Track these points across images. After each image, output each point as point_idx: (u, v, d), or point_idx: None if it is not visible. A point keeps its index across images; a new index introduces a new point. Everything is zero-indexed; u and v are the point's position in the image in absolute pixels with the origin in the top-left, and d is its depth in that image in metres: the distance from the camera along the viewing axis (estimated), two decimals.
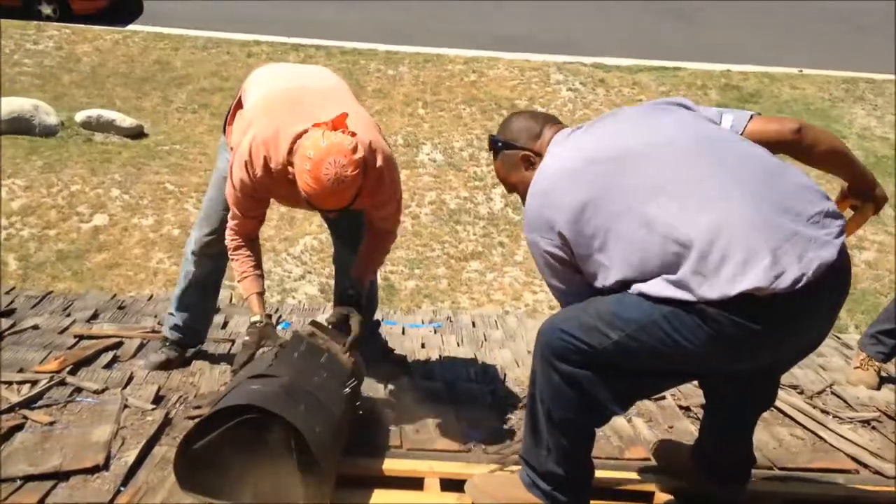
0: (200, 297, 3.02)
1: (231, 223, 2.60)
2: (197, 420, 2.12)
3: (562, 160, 1.98)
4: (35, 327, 3.42)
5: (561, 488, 2.07)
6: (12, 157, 8.34)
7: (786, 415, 3.01)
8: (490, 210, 8.23)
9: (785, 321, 1.76)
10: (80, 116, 9.12)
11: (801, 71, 11.55)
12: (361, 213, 2.70)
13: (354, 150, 2.20)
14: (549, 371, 1.97)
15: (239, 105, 2.68)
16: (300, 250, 7.16)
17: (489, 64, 11.38)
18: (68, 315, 3.68)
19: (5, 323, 3.42)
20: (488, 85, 10.83)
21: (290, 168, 2.31)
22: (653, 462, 2.49)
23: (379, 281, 6.91)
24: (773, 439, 2.78)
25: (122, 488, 2.13)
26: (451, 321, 4.35)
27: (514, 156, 2.13)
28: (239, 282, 2.61)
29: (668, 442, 2.55)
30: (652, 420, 2.85)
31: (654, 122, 1.97)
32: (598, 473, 2.20)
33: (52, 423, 2.46)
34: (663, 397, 3.00)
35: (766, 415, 2.97)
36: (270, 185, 2.43)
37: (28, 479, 2.13)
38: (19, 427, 2.44)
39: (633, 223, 1.81)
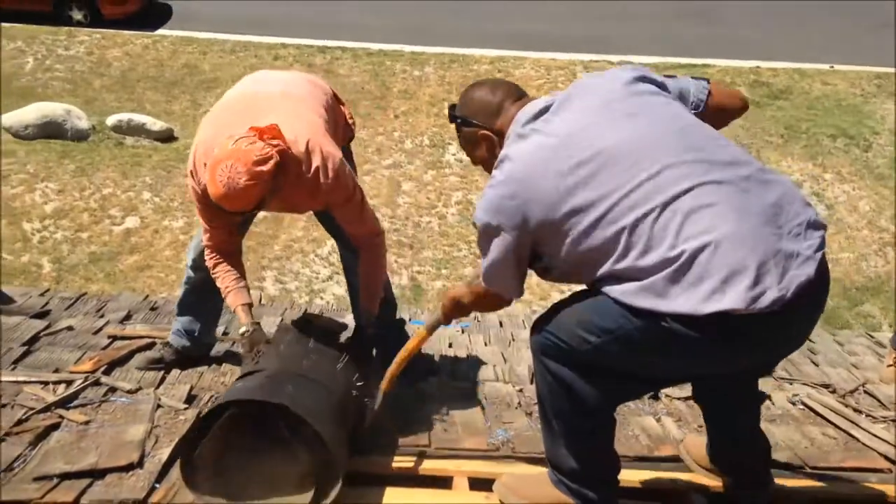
0: (200, 301, 2.99)
1: (205, 238, 2.61)
2: (185, 432, 2.15)
3: (532, 150, 1.83)
4: (70, 328, 3.47)
5: (585, 484, 2.07)
6: (45, 161, 8.49)
7: (818, 414, 2.98)
8: None
9: (759, 338, 1.74)
10: (111, 120, 9.26)
11: (832, 67, 11.40)
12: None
13: (260, 162, 2.17)
14: (542, 370, 2.00)
15: None
16: (328, 251, 7.21)
17: (515, 63, 11.38)
18: (102, 316, 3.74)
19: (41, 324, 3.48)
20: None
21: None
22: (681, 461, 2.49)
23: (406, 281, 6.98)
24: (804, 438, 2.76)
25: (157, 485, 2.17)
26: (478, 321, 4.35)
27: (474, 133, 2.02)
28: (224, 297, 2.63)
29: (696, 440, 2.54)
30: (681, 419, 2.83)
31: (631, 113, 1.84)
32: (629, 473, 2.20)
33: (87, 423, 2.51)
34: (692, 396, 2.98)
35: (797, 414, 2.95)
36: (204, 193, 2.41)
37: (64, 476, 2.18)
38: (55, 426, 2.49)
39: (611, 227, 1.74)
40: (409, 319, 4.34)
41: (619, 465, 2.15)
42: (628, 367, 1.88)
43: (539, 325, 2.00)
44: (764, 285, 1.64)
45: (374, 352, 2.77)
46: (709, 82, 2.01)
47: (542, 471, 2.23)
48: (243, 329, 2.58)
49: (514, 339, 3.93)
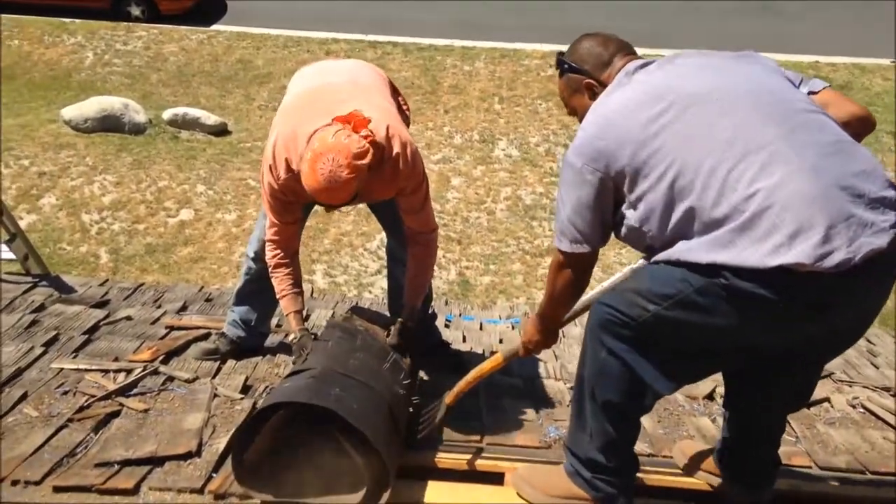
0: (258, 291, 3.01)
1: (269, 233, 2.62)
2: (235, 431, 2.16)
3: (629, 96, 1.87)
4: (128, 318, 3.55)
5: (603, 476, 2.06)
6: (103, 154, 8.69)
7: (878, 417, 2.91)
8: None
9: (821, 302, 1.69)
10: (167, 114, 9.44)
11: (893, 62, 11.08)
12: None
13: (360, 156, 2.18)
14: (596, 346, 1.96)
15: None
16: (376, 245, 7.25)
17: None
18: (159, 306, 3.82)
19: (100, 313, 3.56)
20: None
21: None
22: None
23: (454, 276, 6.99)
24: (865, 442, 2.69)
25: (214, 474, 2.20)
26: (528, 317, 4.34)
27: (579, 80, 2.05)
28: (279, 299, 2.67)
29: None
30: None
31: (732, 70, 1.88)
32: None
33: (146, 411, 2.56)
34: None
35: (857, 417, 2.88)
36: (295, 187, 2.42)
37: (125, 463, 2.23)
38: (116, 413, 2.55)
39: (692, 173, 1.73)
40: (460, 315, 4.35)
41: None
42: (685, 336, 1.84)
43: (598, 304, 1.98)
44: (832, 245, 1.61)
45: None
46: (829, 86, 1.99)
47: (559, 465, 2.22)
48: (292, 337, 2.63)
49: (564, 336, 3.90)
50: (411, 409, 2.47)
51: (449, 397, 2.47)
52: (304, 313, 3.84)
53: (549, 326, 2.24)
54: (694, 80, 1.85)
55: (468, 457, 2.41)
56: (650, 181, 1.79)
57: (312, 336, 2.64)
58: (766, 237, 1.64)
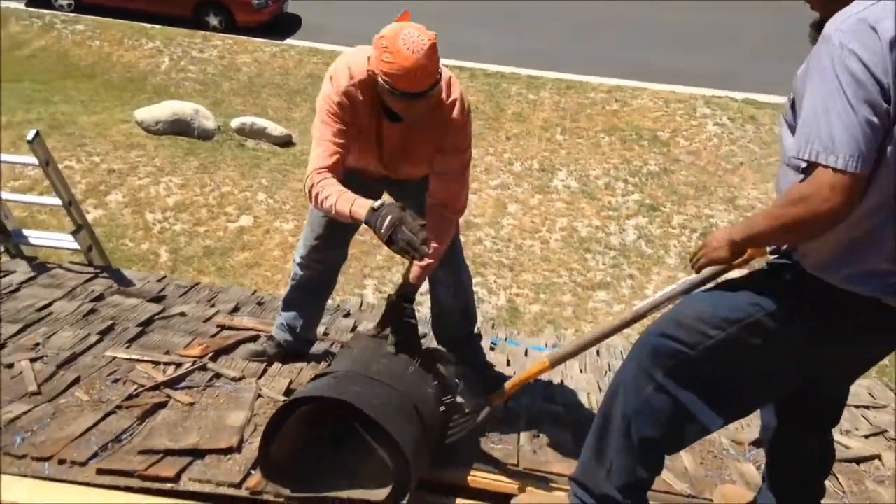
0: (306, 298, 3.06)
1: (315, 161, 2.37)
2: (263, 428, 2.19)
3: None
4: (182, 314, 3.62)
5: None
6: (171, 157, 8.93)
7: None
8: (622, 241, 8.10)
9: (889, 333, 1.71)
10: (235, 122, 9.67)
11: None
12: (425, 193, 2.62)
13: (426, 30, 2.19)
14: (642, 381, 1.91)
15: None
16: None
17: (633, 94, 11.25)
18: (212, 306, 3.89)
19: (156, 308, 3.65)
20: (630, 115, 10.70)
21: (376, 68, 2.25)
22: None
23: (503, 302, 6.97)
24: None
25: (252, 471, 2.23)
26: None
27: None
28: (336, 202, 2.26)
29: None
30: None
31: None
32: None
33: (192, 404, 2.61)
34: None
35: None
36: (353, 100, 2.36)
37: (168, 452, 2.27)
38: (163, 404, 2.60)
39: None
40: (506, 339, 4.33)
41: None
42: (746, 363, 1.80)
43: (650, 333, 1.93)
44: None
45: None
46: None
47: (563, 495, 2.18)
48: (369, 208, 2.18)
49: (609, 370, 3.86)
50: (442, 409, 2.45)
51: (497, 398, 2.43)
52: (354, 324, 3.89)
53: (743, 248, 1.82)
54: None
55: (502, 479, 2.39)
56: None
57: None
58: None
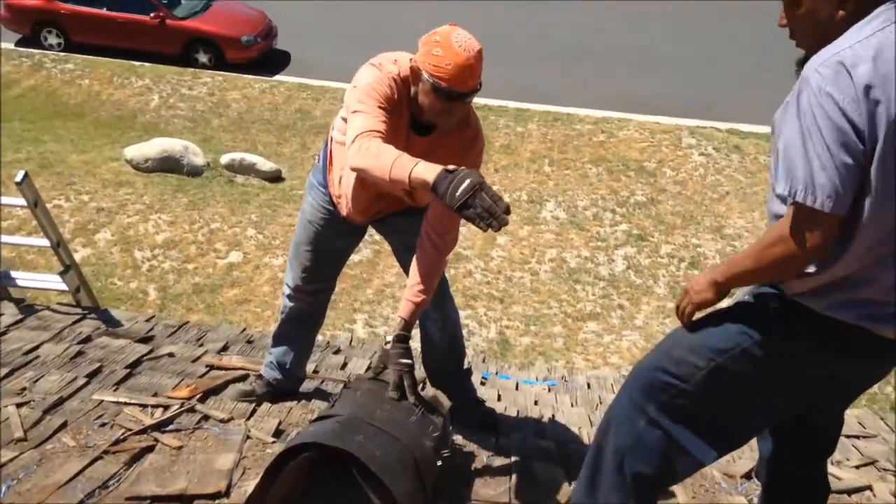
0: (296, 331, 3.06)
1: (363, 126, 2.20)
2: (261, 474, 2.17)
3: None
4: (170, 355, 3.62)
5: None
6: (161, 194, 8.94)
7: None
8: (611, 271, 8.12)
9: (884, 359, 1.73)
10: (224, 158, 9.70)
11: None
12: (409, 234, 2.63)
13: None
14: (635, 415, 1.91)
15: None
16: None
17: (619, 125, 11.35)
18: (201, 345, 3.88)
19: (144, 348, 3.64)
20: (617, 146, 10.79)
21: (413, 70, 2.27)
22: None
23: (493, 334, 6.97)
24: None
25: None
26: (565, 380, 4.30)
27: None
28: (393, 160, 2.06)
29: None
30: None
31: None
32: None
33: (180, 448, 2.59)
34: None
35: None
36: (396, 93, 2.31)
37: (155, 499, 2.26)
38: (150, 448, 2.59)
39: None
40: (497, 373, 4.33)
41: None
42: (737, 393, 1.80)
43: (643, 367, 1.94)
44: None
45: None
46: None
47: None
48: (445, 167, 2.00)
49: (601, 402, 3.86)
50: (440, 463, 2.45)
51: None
52: (343, 360, 3.88)
53: (727, 290, 1.86)
54: None
55: None
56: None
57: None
58: None
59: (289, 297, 2.98)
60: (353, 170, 2.24)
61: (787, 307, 1.72)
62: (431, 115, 2.33)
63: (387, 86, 2.29)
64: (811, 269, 1.63)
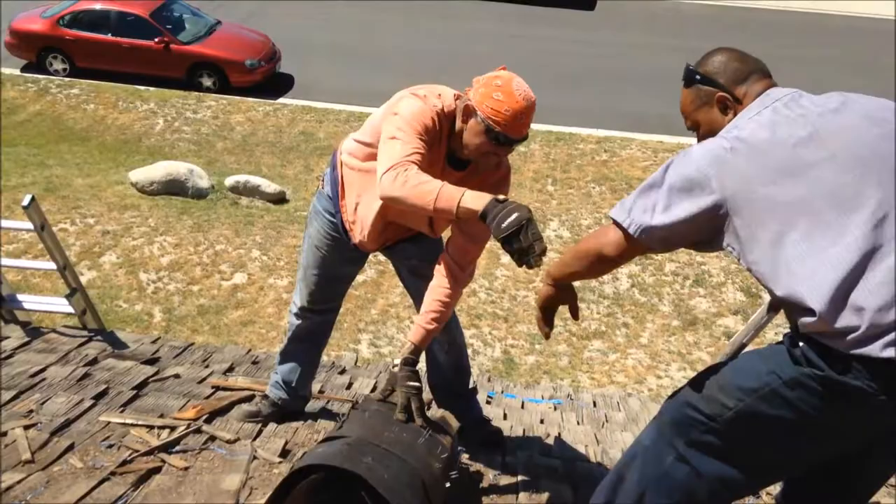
0: (302, 347, 3.06)
1: (400, 154, 2.22)
2: (269, 495, 2.17)
3: (775, 119, 1.76)
4: (176, 376, 3.62)
5: None
6: (166, 217, 8.98)
7: None
8: (616, 290, 8.12)
9: None
10: (229, 181, 9.74)
11: None
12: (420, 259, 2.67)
13: None
14: (664, 449, 1.89)
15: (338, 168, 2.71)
16: None
17: (622, 144, 11.40)
18: (207, 366, 3.89)
19: (150, 370, 3.64)
20: (619, 165, 10.83)
21: (456, 105, 2.36)
22: None
23: (498, 353, 6.96)
24: None
25: None
26: (571, 399, 4.29)
27: (711, 93, 1.93)
28: (439, 190, 2.12)
29: None
30: None
31: (876, 134, 1.72)
32: None
33: (186, 469, 2.59)
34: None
35: None
36: (438, 126, 2.34)
37: None
38: (157, 469, 2.59)
39: (821, 238, 1.63)
40: (502, 392, 4.32)
41: None
42: (767, 435, 1.74)
43: (675, 402, 1.92)
44: None
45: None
46: None
47: None
48: (496, 196, 2.10)
49: (607, 421, 3.85)
50: (448, 485, 2.45)
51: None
52: (349, 381, 3.88)
53: (558, 282, 2.16)
54: (842, 137, 1.71)
55: None
56: (771, 236, 1.68)
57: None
58: (890, 330, 1.58)
59: (296, 315, 2.99)
60: (384, 199, 2.23)
61: (812, 346, 1.66)
62: (476, 154, 2.37)
63: (430, 118, 2.32)
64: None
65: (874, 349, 1.56)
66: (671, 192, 1.77)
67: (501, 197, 2.06)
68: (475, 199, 2.07)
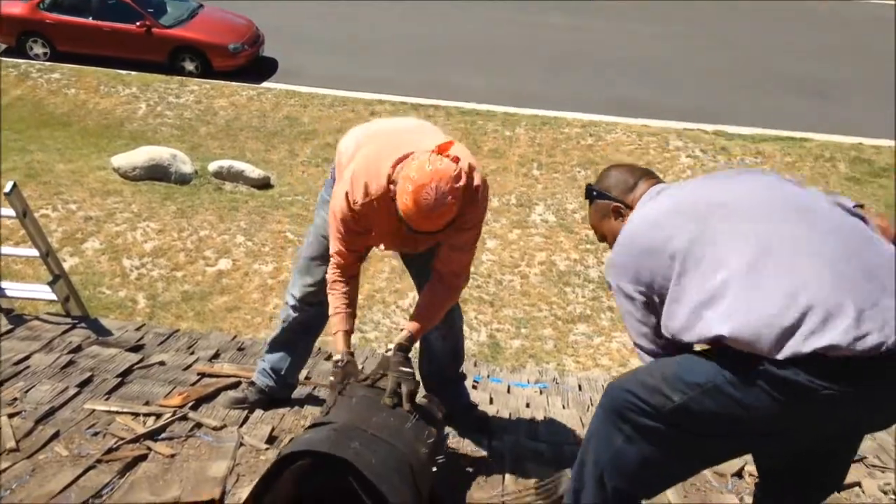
0: (296, 340, 3.06)
1: (333, 260, 2.59)
2: (256, 481, 2.17)
3: (647, 210, 2.00)
4: (161, 363, 3.61)
5: None
6: (149, 202, 8.92)
7: None
8: (600, 274, 8.15)
9: (859, 388, 1.66)
10: (212, 166, 9.67)
11: None
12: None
13: (457, 178, 2.21)
14: (611, 432, 1.94)
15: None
16: (409, 303, 7.28)
17: (607, 128, 11.40)
18: (192, 353, 3.88)
19: (135, 357, 3.63)
20: (605, 149, 10.83)
21: (391, 189, 2.33)
22: None
23: (484, 338, 6.98)
24: None
25: None
26: (556, 383, 4.32)
27: (607, 206, 2.15)
28: (331, 317, 2.60)
29: None
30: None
31: (745, 179, 1.98)
32: None
33: (173, 456, 2.59)
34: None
35: (888, 503, 2.80)
36: (370, 214, 2.43)
37: None
38: (143, 457, 2.59)
39: (714, 272, 1.78)
40: (488, 377, 4.34)
41: None
42: (708, 426, 1.82)
43: (616, 387, 1.96)
44: (865, 327, 1.63)
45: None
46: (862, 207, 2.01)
47: None
48: (337, 357, 2.53)
49: (592, 404, 3.88)
50: (435, 469, 2.46)
51: None
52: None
53: None
54: (712, 190, 1.96)
55: None
56: (678, 284, 1.84)
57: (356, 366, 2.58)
58: (795, 328, 1.66)
59: (293, 307, 2.96)
60: None
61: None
62: (400, 237, 2.47)
63: (352, 219, 2.46)
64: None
65: (798, 346, 1.64)
66: (632, 300, 1.96)
67: (343, 358, 2.53)
68: (335, 344, 2.58)
